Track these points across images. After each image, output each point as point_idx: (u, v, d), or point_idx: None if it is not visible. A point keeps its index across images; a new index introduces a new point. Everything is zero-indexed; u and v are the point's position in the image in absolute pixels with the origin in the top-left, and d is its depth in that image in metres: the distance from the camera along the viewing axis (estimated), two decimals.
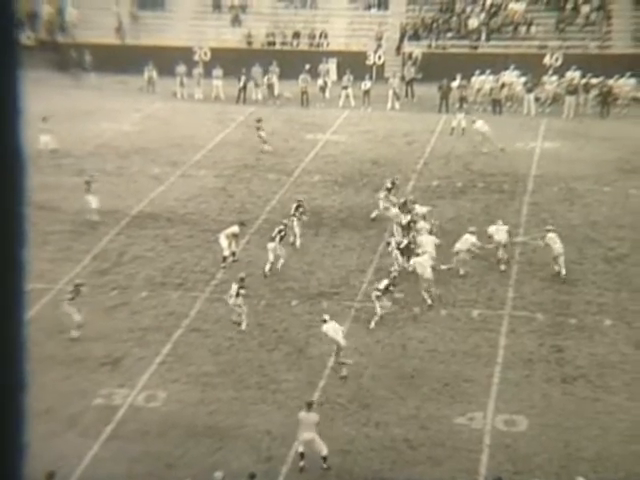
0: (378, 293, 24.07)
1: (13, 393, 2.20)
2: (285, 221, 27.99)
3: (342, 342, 21.99)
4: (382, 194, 30.13)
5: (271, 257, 26.70)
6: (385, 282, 24.29)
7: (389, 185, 30.47)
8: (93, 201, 30.33)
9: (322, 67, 46.30)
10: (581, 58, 44.95)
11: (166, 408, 20.77)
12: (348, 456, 19.03)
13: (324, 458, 18.57)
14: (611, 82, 42.48)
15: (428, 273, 25.09)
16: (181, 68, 45.92)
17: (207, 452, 19.06)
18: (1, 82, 2.12)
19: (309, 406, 18.94)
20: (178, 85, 45.79)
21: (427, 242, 26.42)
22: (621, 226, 30.07)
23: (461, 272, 26.57)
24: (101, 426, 20.10)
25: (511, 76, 44.02)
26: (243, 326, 23.94)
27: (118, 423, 20.29)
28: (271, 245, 26.83)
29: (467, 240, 26.64)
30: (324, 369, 22.14)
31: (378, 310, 24.02)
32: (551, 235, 26.75)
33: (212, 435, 19.65)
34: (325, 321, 22.35)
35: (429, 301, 25.00)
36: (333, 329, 22.10)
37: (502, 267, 26.97)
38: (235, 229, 27.63)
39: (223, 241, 27.42)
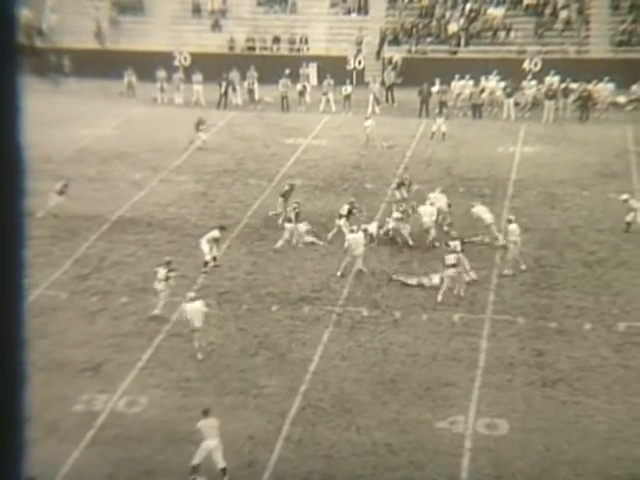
0: (454, 270, 25.47)
1: (13, 393, 2.20)
2: (296, 200, 29.89)
3: (197, 324, 22.51)
4: (392, 187, 31.80)
5: (287, 235, 28.63)
6: (451, 258, 25.41)
7: (395, 185, 31.85)
8: (55, 200, 30.96)
9: (302, 72, 46.33)
10: (560, 63, 45.26)
11: (147, 414, 20.71)
12: (330, 461, 19.01)
13: (223, 470, 18.38)
14: (590, 87, 42.73)
15: (359, 250, 26.67)
16: (161, 73, 45.88)
17: (188, 458, 18.97)
18: (2, 83, 2.12)
19: (206, 413, 18.75)
20: (158, 90, 45.72)
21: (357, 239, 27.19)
22: (601, 230, 30.22)
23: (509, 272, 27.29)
24: (82, 432, 20.01)
25: (491, 81, 44.22)
26: (156, 311, 24.43)
27: (99, 429, 20.21)
28: (289, 225, 28.70)
29: (515, 230, 27.28)
30: (305, 374, 22.13)
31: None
32: (478, 207, 29.15)
33: (193, 440, 19.57)
34: (191, 299, 22.87)
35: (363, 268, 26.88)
36: (191, 310, 22.61)
37: (446, 228, 29.14)
38: (216, 233, 27.63)
39: (204, 246, 27.39)
